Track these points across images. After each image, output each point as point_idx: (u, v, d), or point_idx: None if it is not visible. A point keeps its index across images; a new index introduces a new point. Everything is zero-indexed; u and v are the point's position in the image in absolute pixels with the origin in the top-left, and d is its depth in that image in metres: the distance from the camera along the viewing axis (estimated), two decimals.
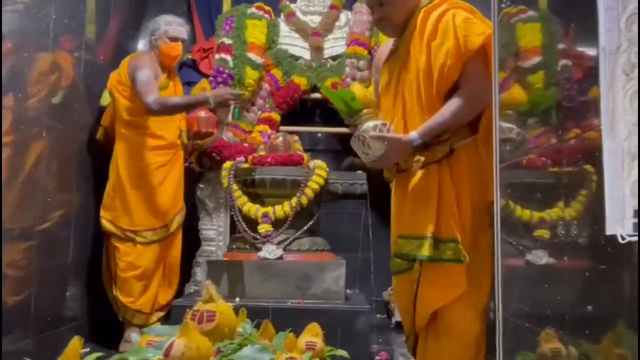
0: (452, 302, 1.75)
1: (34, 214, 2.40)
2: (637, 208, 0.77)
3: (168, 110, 2.90)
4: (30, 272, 2.36)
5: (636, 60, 0.82)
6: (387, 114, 1.93)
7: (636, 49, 0.82)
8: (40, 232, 2.44)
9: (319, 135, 3.78)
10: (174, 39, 3.05)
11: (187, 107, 3.04)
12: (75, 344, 1.62)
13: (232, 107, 3.12)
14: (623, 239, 0.75)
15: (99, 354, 1.60)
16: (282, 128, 3.56)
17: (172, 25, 3.06)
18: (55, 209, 2.60)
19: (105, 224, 2.98)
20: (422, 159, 1.81)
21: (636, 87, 0.81)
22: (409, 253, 1.79)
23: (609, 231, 0.79)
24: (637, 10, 0.82)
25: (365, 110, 1.97)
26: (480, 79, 1.74)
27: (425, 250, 1.73)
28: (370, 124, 1.86)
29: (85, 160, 2.99)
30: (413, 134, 1.77)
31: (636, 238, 0.74)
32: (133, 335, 2.08)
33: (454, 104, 1.76)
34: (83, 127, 2.93)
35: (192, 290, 3.31)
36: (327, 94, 2.71)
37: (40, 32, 2.40)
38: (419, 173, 1.81)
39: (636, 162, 0.80)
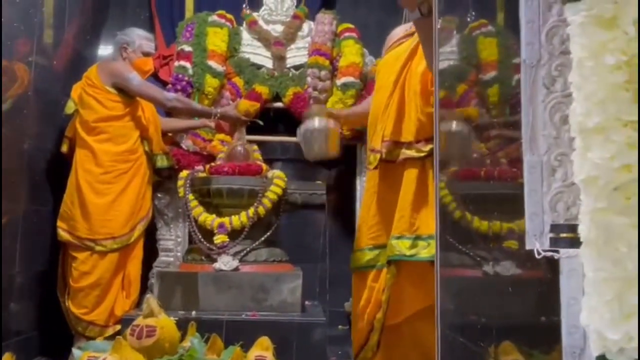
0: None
1: None
2: (554, 222, 0.76)
3: (187, 109, 3.15)
4: None
5: (556, 73, 0.81)
6: (381, 99, 1.86)
7: (557, 61, 0.82)
8: None
9: (280, 144, 3.74)
10: (147, 54, 3.18)
11: (197, 113, 3.23)
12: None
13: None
14: (539, 254, 0.74)
15: None
16: None
17: (145, 40, 3.18)
18: None
19: (62, 233, 2.90)
20: (409, 152, 1.77)
21: (556, 101, 0.81)
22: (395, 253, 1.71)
23: (528, 246, 0.78)
24: (557, 23, 0.82)
25: (314, 107, 2.10)
26: None
27: (406, 250, 1.68)
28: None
29: (36, 169, 2.90)
30: None
31: (551, 253, 0.73)
32: (75, 351, 2.01)
33: None
34: (33, 135, 2.83)
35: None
36: None
37: None
38: (415, 170, 1.75)
39: (556, 176, 0.79)
